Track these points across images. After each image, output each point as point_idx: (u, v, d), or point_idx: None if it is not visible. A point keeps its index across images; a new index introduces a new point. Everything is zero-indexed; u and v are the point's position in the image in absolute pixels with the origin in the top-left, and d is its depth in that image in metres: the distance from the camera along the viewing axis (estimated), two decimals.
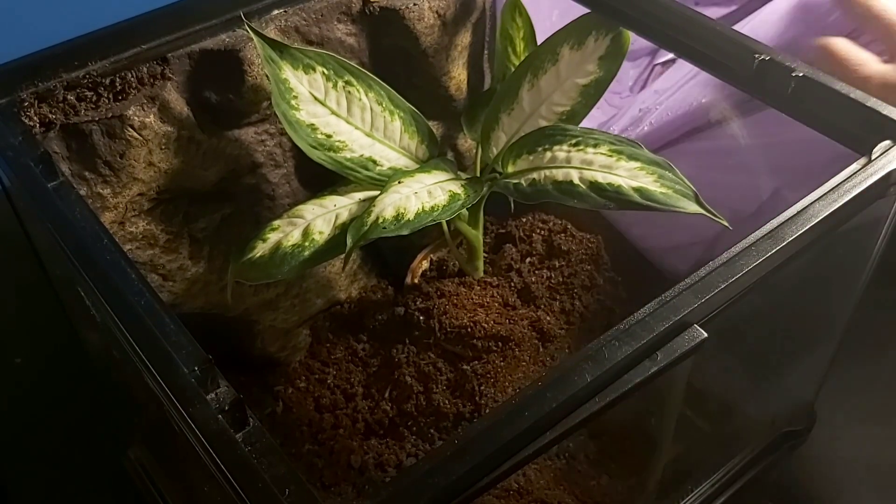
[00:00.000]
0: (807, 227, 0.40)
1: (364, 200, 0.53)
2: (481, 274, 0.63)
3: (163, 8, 0.51)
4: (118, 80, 0.49)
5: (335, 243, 0.50)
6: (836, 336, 0.59)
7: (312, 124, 0.50)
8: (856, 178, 0.42)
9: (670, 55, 0.75)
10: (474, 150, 0.61)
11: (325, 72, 0.51)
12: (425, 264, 0.66)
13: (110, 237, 0.40)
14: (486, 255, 0.63)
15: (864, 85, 0.52)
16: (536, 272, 0.63)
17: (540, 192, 0.50)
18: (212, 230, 0.56)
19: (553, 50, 0.55)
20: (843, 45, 0.56)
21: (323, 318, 0.65)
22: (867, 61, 0.55)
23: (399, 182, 0.50)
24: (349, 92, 0.52)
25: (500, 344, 0.58)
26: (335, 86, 0.51)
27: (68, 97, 0.48)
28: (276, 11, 0.53)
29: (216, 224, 0.56)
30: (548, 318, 0.60)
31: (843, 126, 0.46)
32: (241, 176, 0.56)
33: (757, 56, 0.48)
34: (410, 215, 0.48)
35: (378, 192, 0.49)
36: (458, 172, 0.54)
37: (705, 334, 0.37)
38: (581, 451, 0.57)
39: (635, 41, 0.56)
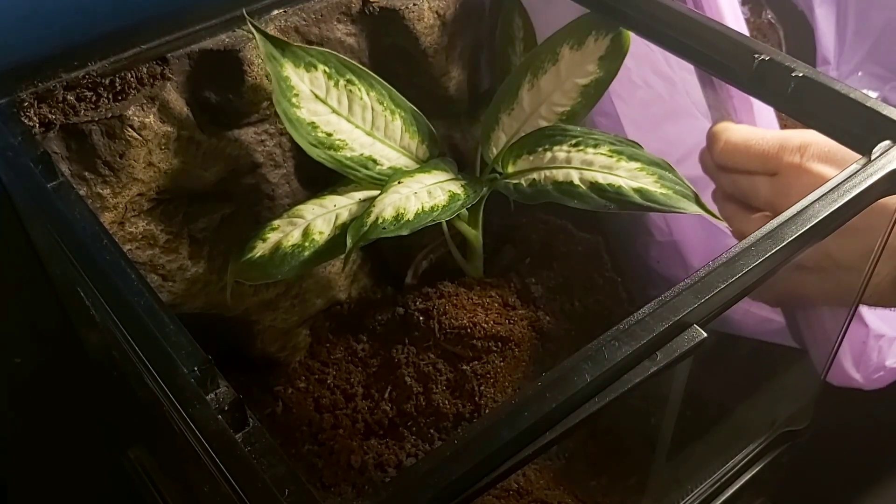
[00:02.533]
0: (807, 227, 0.40)
1: (364, 200, 0.53)
2: (481, 274, 0.63)
3: (163, 8, 0.51)
4: (118, 80, 0.49)
5: (335, 243, 0.50)
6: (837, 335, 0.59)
7: (313, 122, 0.50)
8: (856, 178, 0.42)
9: None
10: (474, 150, 0.61)
11: (327, 70, 0.51)
12: (425, 264, 0.66)
13: (110, 237, 0.40)
14: (485, 256, 0.63)
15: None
16: (536, 272, 0.63)
17: (540, 193, 0.50)
18: (212, 230, 0.56)
19: (553, 50, 0.55)
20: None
21: (323, 318, 0.65)
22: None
23: (399, 182, 0.50)
24: (350, 90, 0.52)
25: (499, 344, 0.58)
26: (336, 84, 0.51)
27: (68, 97, 0.48)
28: (275, 11, 0.53)
29: (216, 224, 0.56)
30: (547, 318, 0.60)
31: (843, 126, 0.46)
32: (241, 176, 0.56)
33: (757, 56, 0.48)
34: (410, 215, 0.48)
35: (378, 192, 0.49)
36: (458, 172, 0.54)
37: (705, 334, 0.37)
38: (581, 451, 0.57)
39: None
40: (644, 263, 0.70)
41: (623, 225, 0.72)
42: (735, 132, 0.54)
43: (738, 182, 0.55)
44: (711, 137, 0.56)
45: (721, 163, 0.55)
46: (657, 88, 0.65)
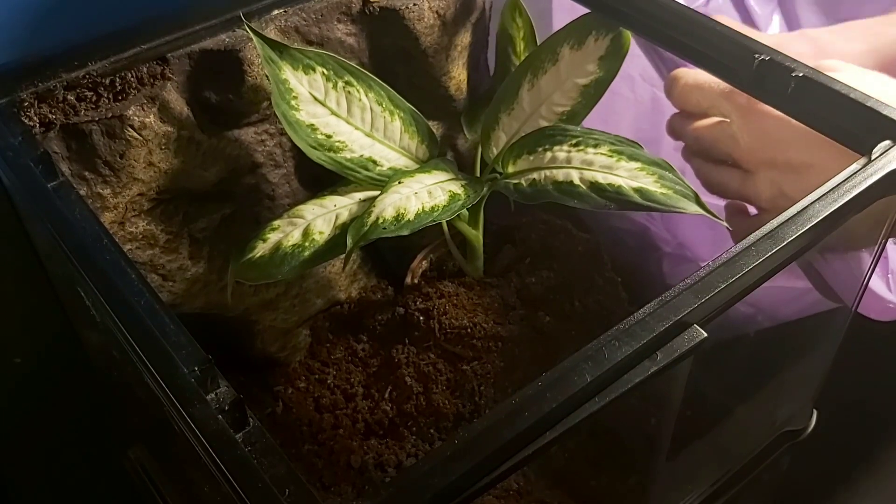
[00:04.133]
0: (807, 227, 0.40)
1: (364, 200, 0.53)
2: (481, 274, 0.63)
3: (163, 8, 0.51)
4: (118, 80, 0.49)
5: (335, 243, 0.50)
6: (838, 335, 0.59)
7: (312, 125, 0.50)
8: (856, 178, 0.42)
9: None
10: (474, 150, 0.61)
11: (325, 72, 0.51)
12: (425, 264, 0.66)
13: (110, 237, 0.40)
14: (485, 256, 0.63)
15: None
16: (536, 272, 0.63)
17: (540, 193, 0.50)
18: (212, 230, 0.56)
19: (553, 50, 0.55)
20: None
21: (323, 318, 0.65)
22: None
23: (399, 182, 0.50)
24: (349, 92, 0.52)
25: (499, 344, 0.58)
26: (335, 86, 0.51)
27: (68, 97, 0.48)
28: (275, 11, 0.53)
29: (216, 224, 0.56)
30: (547, 318, 0.60)
31: (843, 126, 0.46)
32: (241, 176, 0.56)
33: (757, 56, 0.48)
34: (410, 215, 0.48)
35: (378, 193, 0.49)
36: (458, 172, 0.54)
37: (705, 334, 0.37)
38: (581, 451, 0.57)
39: None
40: (645, 265, 0.70)
41: (622, 225, 0.72)
42: (691, 75, 0.57)
43: (700, 137, 0.58)
44: (670, 82, 0.59)
45: (679, 105, 0.59)
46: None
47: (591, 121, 0.56)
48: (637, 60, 0.67)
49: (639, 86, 0.70)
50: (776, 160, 0.52)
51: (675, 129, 0.61)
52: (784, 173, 0.52)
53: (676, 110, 0.61)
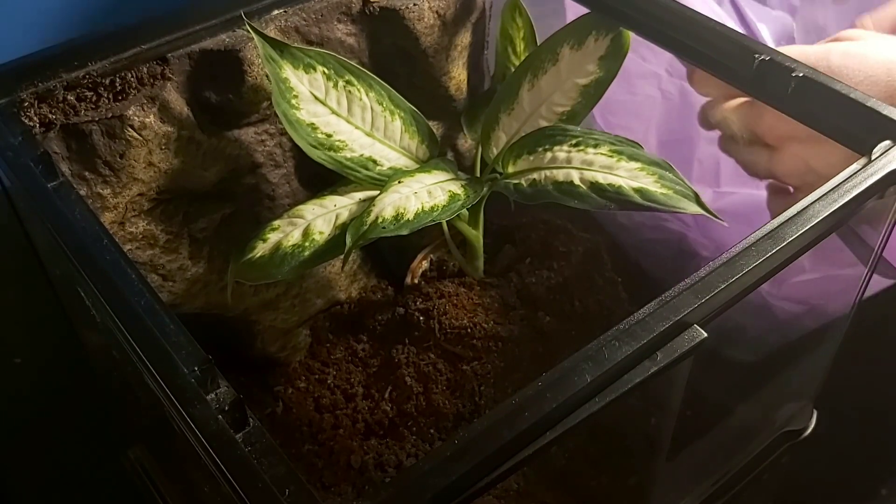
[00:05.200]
0: (807, 227, 0.40)
1: (364, 200, 0.53)
2: (481, 274, 0.63)
3: (163, 8, 0.51)
4: (118, 80, 0.49)
5: (335, 243, 0.50)
6: (838, 335, 0.59)
7: (313, 124, 0.50)
8: (856, 178, 0.42)
9: None
10: (474, 150, 0.61)
11: (326, 71, 0.51)
12: (425, 264, 0.66)
13: (110, 237, 0.40)
14: (485, 256, 0.63)
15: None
16: (536, 272, 0.63)
17: (540, 193, 0.50)
18: (212, 230, 0.56)
19: (553, 50, 0.55)
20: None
21: (323, 318, 0.65)
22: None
23: (399, 182, 0.50)
24: (350, 91, 0.52)
25: (499, 344, 0.58)
26: (336, 85, 0.51)
27: (68, 97, 0.48)
28: (276, 11, 0.53)
29: (216, 224, 0.56)
30: (547, 318, 0.60)
31: (843, 126, 0.46)
32: (241, 176, 0.56)
33: (757, 56, 0.48)
34: (410, 215, 0.48)
35: (378, 192, 0.49)
36: (458, 172, 0.54)
37: (705, 334, 0.37)
38: (581, 451, 0.57)
39: None
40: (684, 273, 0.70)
41: (657, 236, 0.72)
42: None
43: (726, 119, 0.58)
44: (690, 69, 0.59)
45: (701, 90, 0.59)
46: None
47: (619, 123, 0.56)
48: (661, 57, 0.67)
49: (665, 82, 0.69)
50: (798, 134, 0.52)
51: (705, 118, 0.61)
52: (807, 146, 0.52)
53: (705, 101, 0.61)
